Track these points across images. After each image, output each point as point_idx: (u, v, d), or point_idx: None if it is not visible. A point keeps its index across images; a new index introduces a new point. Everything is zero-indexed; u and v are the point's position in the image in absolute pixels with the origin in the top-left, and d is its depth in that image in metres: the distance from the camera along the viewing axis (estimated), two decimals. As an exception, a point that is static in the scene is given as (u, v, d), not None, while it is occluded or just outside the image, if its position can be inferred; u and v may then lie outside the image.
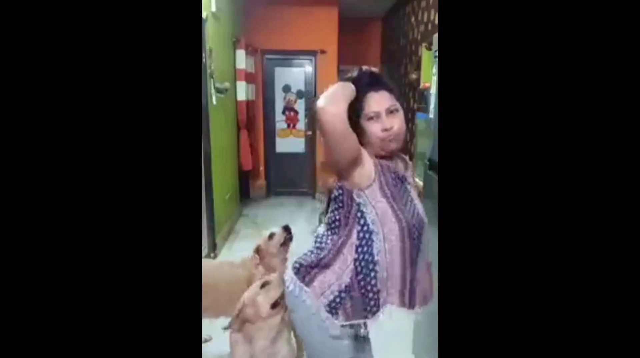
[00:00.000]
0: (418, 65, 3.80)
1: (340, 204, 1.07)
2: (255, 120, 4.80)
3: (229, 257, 3.34)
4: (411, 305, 1.08)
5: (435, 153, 1.78)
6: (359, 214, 1.04)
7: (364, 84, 1.04)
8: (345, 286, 1.04)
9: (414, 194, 1.10)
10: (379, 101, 1.05)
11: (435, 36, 3.31)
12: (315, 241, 1.14)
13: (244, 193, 4.74)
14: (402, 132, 1.06)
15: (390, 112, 1.05)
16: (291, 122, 5.17)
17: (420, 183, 2.22)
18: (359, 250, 1.04)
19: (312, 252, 1.12)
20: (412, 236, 1.04)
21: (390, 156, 1.09)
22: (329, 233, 1.11)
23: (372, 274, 1.04)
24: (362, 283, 1.04)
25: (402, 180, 1.09)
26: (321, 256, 1.08)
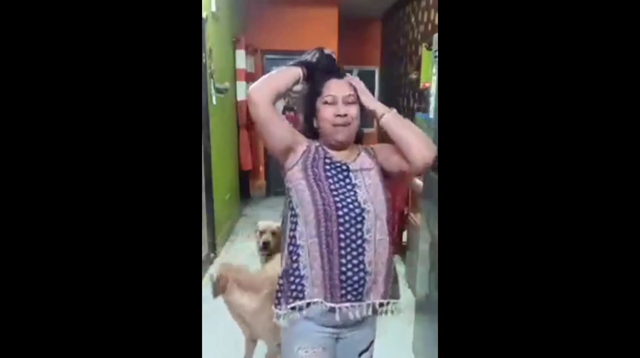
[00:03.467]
0: (418, 65, 3.80)
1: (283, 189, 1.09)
2: (255, 120, 4.79)
3: (229, 257, 3.34)
4: (335, 299, 1.00)
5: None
6: (288, 199, 1.05)
7: (325, 69, 1.06)
8: (283, 272, 1.05)
9: (365, 184, 1.04)
10: (338, 87, 1.05)
11: (435, 36, 3.31)
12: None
13: (244, 193, 4.74)
14: (355, 124, 1.05)
15: (348, 103, 1.04)
16: (291, 122, 5.16)
17: (420, 183, 2.22)
18: (288, 234, 1.05)
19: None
20: (338, 224, 0.97)
21: (341, 147, 1.07)
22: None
23: (295, 258, 1.02)
24: (289, 269, 1.02)
25: (342, 169, 1.05)
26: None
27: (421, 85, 3.72)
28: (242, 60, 4.08)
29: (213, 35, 3.16)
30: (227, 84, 3.66)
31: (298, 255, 1.02)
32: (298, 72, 1.03)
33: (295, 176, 1.02)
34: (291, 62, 1.06)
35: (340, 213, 0.98)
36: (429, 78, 3.54)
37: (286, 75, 1.02)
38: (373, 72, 5.84)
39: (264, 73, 5.07)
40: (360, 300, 1.01)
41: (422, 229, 1.87)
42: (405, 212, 3.02)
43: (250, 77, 4.37)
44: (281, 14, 4.71)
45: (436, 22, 3.38)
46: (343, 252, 0.98)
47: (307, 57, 1.08)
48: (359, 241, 0.99)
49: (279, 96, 1.00)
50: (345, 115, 1.03)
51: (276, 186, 5.27)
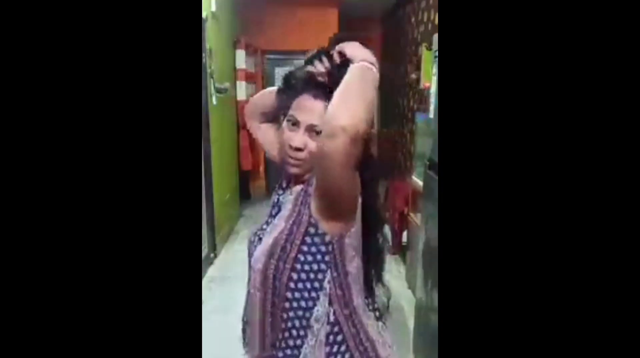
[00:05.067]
0: (418, 65, 3.81)
1: None
2: (255, 120, 4.79)
3: (229, 257, 3.34)
4: None
5: (435, 153, 1.78)
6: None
7: (305, 81, 0.83)
8: None
9: (290, 206, 0.84)
10: (307, 111, 0.80)
11: (435, 36, 3.31)
12: None
13: (244, 194, 4.74)
14: (309, 162, 0.80)
15: (311, 131, 0.79)
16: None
17: (420, 183, 2.22)
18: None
19: None
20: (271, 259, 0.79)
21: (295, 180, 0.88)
22: None
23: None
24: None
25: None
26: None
27: (421, 85, 3.73)
28: (242, 60, 4.08)
29: (213, 36, 3.16)
30: (227, 84, 3.66)
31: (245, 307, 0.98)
32: (273, 90, 0.94)
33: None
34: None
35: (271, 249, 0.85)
36: (429, 78, 3.55)
37: (264, 95, 0.99)
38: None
39: (264, 73, 5.07)
40: None
41: (422, 229, 1.87)
42: (405, 212, 3.03)
43: (250, 77, 4.37)
44: (281, 14, 4.71)
45: (436, 22, 3.38)
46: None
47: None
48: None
49: (264, 115, 0.98)
50: (301, 150, 0.79)
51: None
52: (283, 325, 0.82)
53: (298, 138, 0.80)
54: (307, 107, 0.80)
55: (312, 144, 0.79)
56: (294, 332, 0.81)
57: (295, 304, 0.80)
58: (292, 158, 0.81)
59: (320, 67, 0.82)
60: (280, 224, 0.83)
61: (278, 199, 0.93)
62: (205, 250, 3.11)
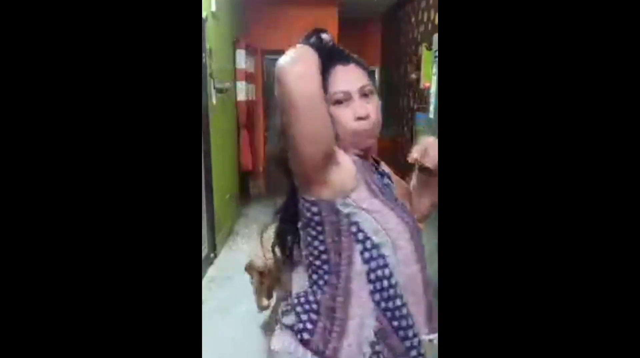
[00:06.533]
0: (418, 65, 3.81)
1: (319, 229, 0.74)
2: (255, 120, 4.80)
3: (229, 257, 3.34)
4: (433, 330, 0.77)
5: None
6: (353, 229, 0.73)
7: (327, 55, 0.74)
8: (376, 334, 0.73)
9: (397, 193, 0.83)
10: (349, 77, 0.76)
11: (435, 36, 3.31)
12: (302, 301, 0.78)
13: (244, 193, 4.74)
14: (379, 122, 0.77)
15: (364, 94, 0.76)
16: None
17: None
18: (372, 276, 0.73)
19: (304, 313, 0.77)
20: (420, 239, 0.78)
21: (364, 155, 0.80)
22: (317, 273, 0.77)
23: (399, 302, 0.74)
24: (394, 322, 0.73)
25: (382, 175, 0.84)
26: (328, 314, 0.75)
27: (421, 85, 3.73)
28: (242, 60, 4.08)
29: (213, 35, 3.16)
30: (227, 84, 3.66)
31: (401, 296, 0.73)
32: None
33: (364, 196, 0.73)
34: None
35: (415, 229, 0.78)
36: (429, 78, 3.55)
37: (314, 54, 0.71)
38: (373, 72, 5.84)
39: (264, 73, 5.07)
40: None
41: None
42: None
43: (250, 77, 4.37)
44: (281, 14, 4.71)
45: (436, 22, 3.38)
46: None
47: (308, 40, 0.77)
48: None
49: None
50: (368, 116, 0.75)
51: (276, 186, 5.27)
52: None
53: (359, 106, 0.75)
54: (350, 74, 0.77)
55: (369, 107, 0.76)
56: None
57: None
58: (362, 131, 0.76)
59: (328, 37, 0.77)
60: (408, 220, 0.77)
61: (381, 185, 0.80)
62: (205, 250, 3.11)
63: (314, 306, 0.76)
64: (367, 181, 0.75)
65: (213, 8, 3.12)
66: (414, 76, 3.94)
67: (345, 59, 0.78)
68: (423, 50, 3.64)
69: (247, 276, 2.08)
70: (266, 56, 4.92)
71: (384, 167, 0.87)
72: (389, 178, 0.86)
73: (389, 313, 0.73)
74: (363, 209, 0.72)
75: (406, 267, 0.74)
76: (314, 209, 0.73)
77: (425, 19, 3.73)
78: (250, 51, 4.39)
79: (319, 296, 0.76)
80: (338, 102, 0.75)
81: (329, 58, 0.75)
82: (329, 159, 0.70)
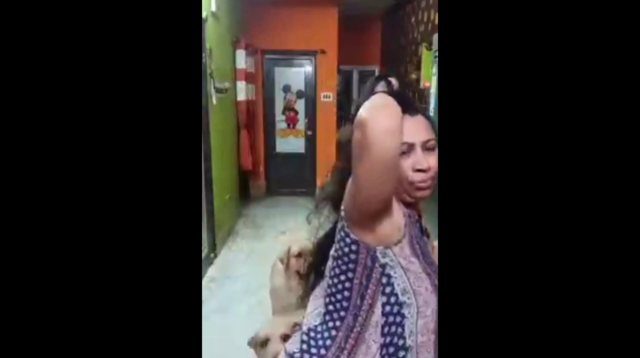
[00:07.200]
0: (418, 65, 3.81)
1: (352, 267, 0.73)
2: (255, 120, 4.81)
3: (229, 257, 3.34)
4: None
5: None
6: (384, 281, 0.72)
7: (399, 103, 0.70)
8: None
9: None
10: (415, 129, 0.75)
11: (435, 36, 3.32)
12: (313, 334, 0.79)
13: (244, 193, 4.74)
14: (436, 177, 0.76)
15: (428, 149, 0.76)
16: (291, 122, 5.18)
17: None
18: (386, 330, 0.72)
19: (307, 338, 0.79)
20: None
21: (414, 205, 0.80)
22: (334, 305, 0.76)
23: None
24: None
25: (424, 234, 0.82)
26: (334, 352, 0.75)
27: (421, 85, 3.73)
28: (242, 60, 4.08)
29: (213, 35, 3.16)
30: (227, 84, 3.66)
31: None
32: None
33: (406, 253, 0.73)
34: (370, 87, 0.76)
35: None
36: (429, 78, 3.55)
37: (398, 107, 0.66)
38: (373, 72, 5.86)
39: (264, 73, 5.07)
40: None
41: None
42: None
43: (250, 77, 4.37)
44: (281, 14, 4.71)
45: (436, 22, 3.38)
46: None
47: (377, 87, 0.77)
48: None
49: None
50: (428, 169, 0.74)
51: (276, 186, 5.28)
52: None
53: (422, 158, 0.74)
54: (416, 126, 0.76)
55: (431, 161, 0.75)
56: None
57: None
58: (420, 183, 0.75)
59: (396, 84, 0.78)
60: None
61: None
62: (205, 250, 3.11)
63: (327, 342, 0.76)
64: (411, 238, 0.75)
65: (213, 8, 3.12)
66: (414, 76, 3.94)
67: (413, 110, 0.77)
68: (423, 50, 3.64)
69: (247, 276, 2.08)
70: (266, 55, 4.92)
71: (425, 223, 0.86)
72: (427, 235, 0.85)
73: None
74: (400, 265, 0.72)
75: (422, 335, 0.74)
76: (353, 247, 0.72)
77: (425, 19, 3.73)
78: (250, 51, 4.40)
79: (332, 333, 0.76)
80: (401, 152, 0.73)
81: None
82: (386, 210, 0.69)
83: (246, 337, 1.42)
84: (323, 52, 4.83)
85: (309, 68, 5.02)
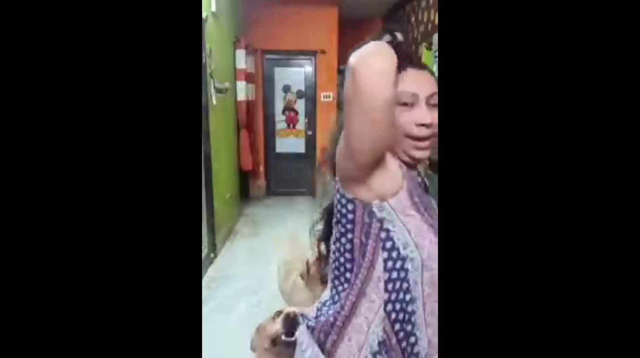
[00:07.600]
0: (418, 65, 3.80)
1: (350, 227, 0.72)
2: (255, 120, 4.81)
3: (229, 257, 3.35)
4: None
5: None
6: (382, 236, 0.71)
7: (401, 55, 0.66)
8: (380, 344, 0.73)
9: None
10: (419, 82, 0.72)
11: (435, 36, 3.32)
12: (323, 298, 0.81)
13: (244, 193, 4.74)
14: (437, 135, 0.73)
15: (431, 104, 0.72)
16: (291, 122, 5.18)
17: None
18: (390, 286, 0.72)
19: (321, 307, 0.80)
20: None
21: (414, 166, 0.78)
22: (339, 270, 0.76)
23: (412, 318, 0.73)
24: (400, 334, 0.73)
25: (426, 191, 0.80)
26: (336, 309, 0.75)
27: (421, 85, 3.71)
28: (242, 60, 4.08)
29: (213, 35, 3.16)
30: (227, 84, 3.66)
31: (414, 314, 0.72)
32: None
33: (404, 206, 0.70)
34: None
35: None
36: (429, 78, 3.54)
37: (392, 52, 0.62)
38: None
39: (264, 73, 5.05)
40: None
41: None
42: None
43: (250, 77, 4.37)
44: (281, 14, 4.71)
45: (436, 22, 3.38)
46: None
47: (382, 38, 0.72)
48: None
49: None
50: (431, 125, 0.71)
51: (276, 186, 5.28)
52: None
53: (425, 112, 0.71)
54: (422, 80, 0.72)
55: (435, 116, 0.71)
56: None
57: None
58: (420, 138, 0.71)
59: (401, 37, 0.72)
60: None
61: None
62: (205, 250, 3.11)
63: (335, 306, 0.76)
64: (410, 191, 0.72)
65: (213, 8, 3.12)
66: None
67: (418, 64, 0.75)
68: (423, 50, 3.64)
69: (247, 276, 2.08)
70: (266, 55, 4.92)
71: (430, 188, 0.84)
72: (430, 194, 0.83)
73: (397, 326, 0.72)
74: (399, 218, 0.70)
75: (428, 287, 0.72)
76: (349, 207, 0.71)
77: (425, 19, 3.73)
78: (250, 51, 4.40)
79: (334, 292, 0.77)
80: (403, 104, 0.71)
81: (402, 59, 0.68)
82: (379, 161, 0.67)
83: (246, 337, 1.42)
84: (323, 52, 4.83)
85: (309, 68, 5.02)
